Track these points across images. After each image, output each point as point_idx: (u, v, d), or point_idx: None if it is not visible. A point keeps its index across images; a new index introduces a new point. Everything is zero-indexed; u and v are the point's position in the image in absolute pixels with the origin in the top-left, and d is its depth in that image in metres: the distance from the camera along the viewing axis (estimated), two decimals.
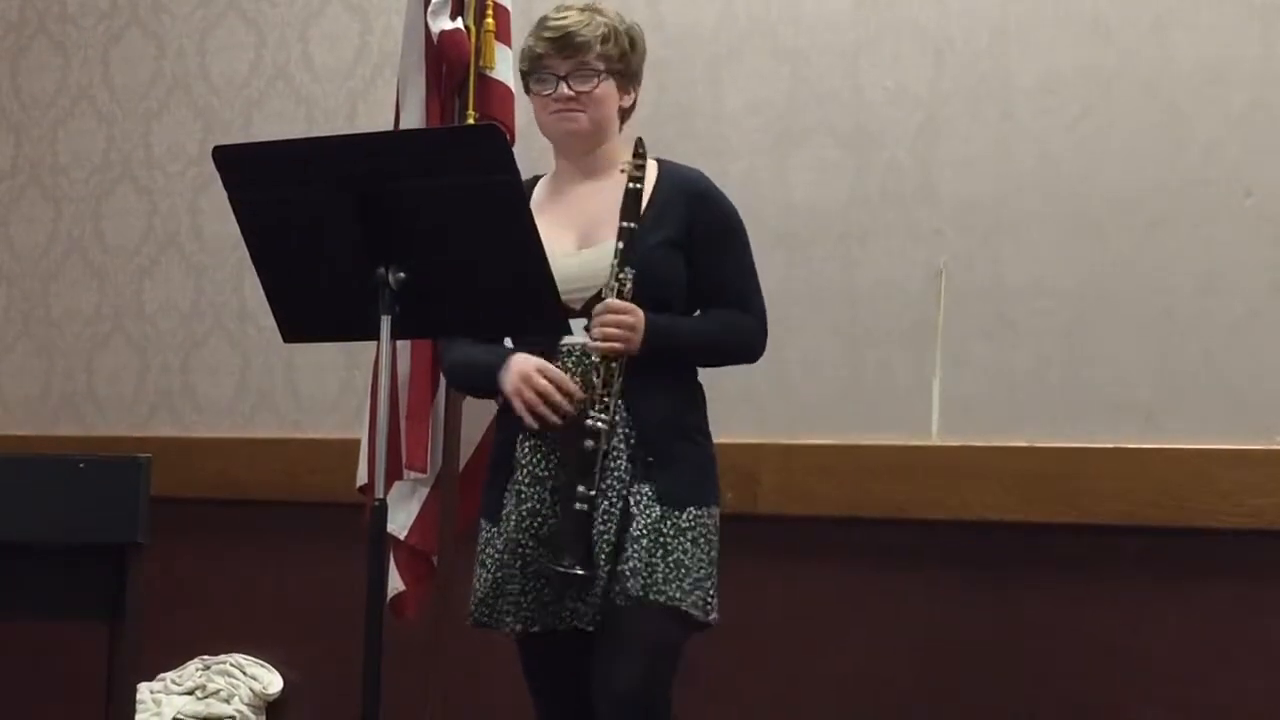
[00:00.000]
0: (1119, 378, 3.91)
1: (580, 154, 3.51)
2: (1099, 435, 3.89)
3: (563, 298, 3.23)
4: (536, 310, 3.15)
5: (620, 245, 3.34)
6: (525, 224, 3.07)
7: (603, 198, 3.46)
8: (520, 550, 3.37)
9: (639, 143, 3.43)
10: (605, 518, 3.30)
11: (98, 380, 5.29)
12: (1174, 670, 3.81)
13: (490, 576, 3.40)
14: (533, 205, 3.42)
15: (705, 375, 4.23)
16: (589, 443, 3.29)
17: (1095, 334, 3.93)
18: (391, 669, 3.06)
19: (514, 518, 3.37)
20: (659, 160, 3.48)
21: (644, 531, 3.30)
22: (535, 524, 3.35)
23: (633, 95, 3.56)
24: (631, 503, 3.31)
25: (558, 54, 3.45)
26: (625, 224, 3.35)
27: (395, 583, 3.98)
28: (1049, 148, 4.00)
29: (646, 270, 3.35)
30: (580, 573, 3.27)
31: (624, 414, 3.34)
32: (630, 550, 3.28)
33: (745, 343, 3.50)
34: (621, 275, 3.32)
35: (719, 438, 4.19)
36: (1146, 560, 3.85)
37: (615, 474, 3.32)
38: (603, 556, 3.28)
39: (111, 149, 5.32)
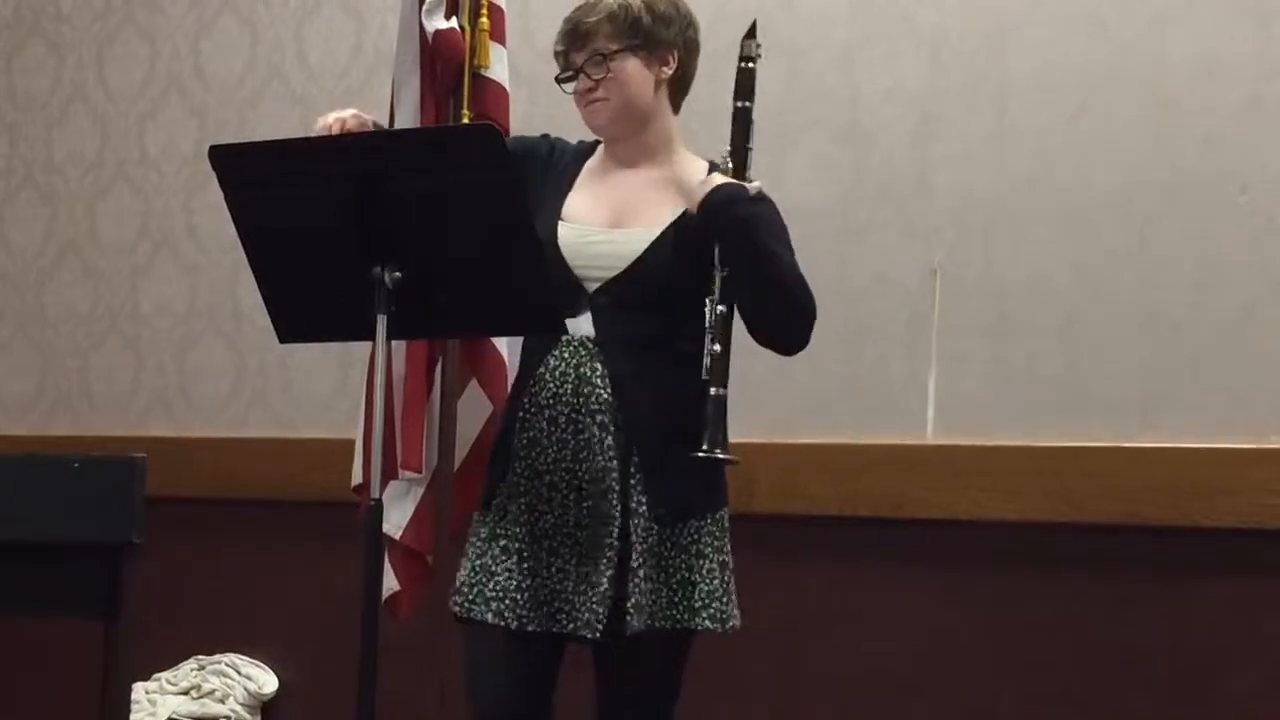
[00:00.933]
0: (1114, 375, 3.91)
1: (625, 138, 3.45)
2: (1094, 433, 3.89)
3: (580, 274, 3.22)
4: (532, 311, 3.14)
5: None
6: (521, 224, 3.06)
7: (647, 182, 3.42)
8: (514, 546, 3.32)
9: (752, 26, 3.43)
10: (607, 522, 3.26)
11: (93, 379, 5.28)
12: (1169, 668, 3.82)
13: (470, 564, 3.33)
14: (583, 172, 3.40)
15: None
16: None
17: (1091, 331, 3.93)
18: (386, 669, 3.05)
19: (510, 509, 3.33)
20: (711, 162, 3.44)
21: (642, 560, 3.24)
22: (532, 519, 3.31)
23: (671, 66, 3.45)
24: (631, 526, 3.27)
25: (571, 47, 3.42)
26: (740, 103, 3.36)
27: (390, 583, 3.98)
28: (1045, 144, 4.00)
29: (663, 260, 3.33)
30: (721, 456, 3.22)
31: (614, 411, 3.30)
32: (631, 583, 3.21)
33: (807, 305, 3.33)
34: (724, 153, 3.32)
35: None
36: (1142, 558, 3.85)
37: (610, 476, 3.28)
38: (603, 562, 3.24)
39: (106, 148, 5.31)
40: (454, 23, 4.10)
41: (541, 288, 3.08)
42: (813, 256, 4.17)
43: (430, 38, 4.09)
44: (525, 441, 3.33)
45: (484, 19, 4.06)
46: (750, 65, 3.43)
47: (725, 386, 3.25)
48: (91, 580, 3.62)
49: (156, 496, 3.77)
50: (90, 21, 5.37)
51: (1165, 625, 3.83)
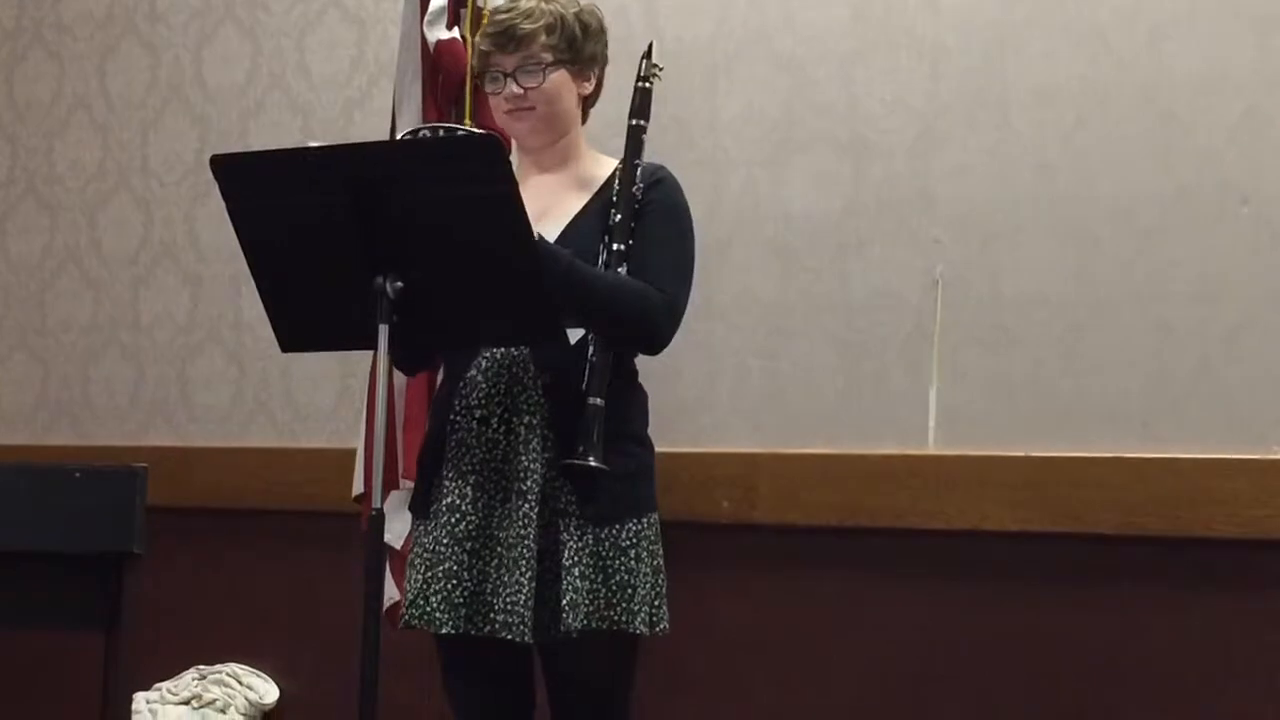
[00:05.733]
0: (1116, 387, 3.91)
1: (541, 149, 3.49)
2: (1096, 444, 3.89)
3: None
4: (533, 320, 3.14)
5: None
6: (522, 234, 3.06)
7: (559, 184, 3.46)
8: (437, 548, 3.34)
9: (649, 47, 3.51)
10: (527, 523, 3.26)
11: (94, 390, 5.28)
12: (1172, 680, 3.81)
13: (420, 576, 3.35)
14: None
15: (698, 382, 4.25)
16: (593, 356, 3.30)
17: (1092, 343, 3.93)
18: (387, 678, 3.05)
19: (439, 513, 3.34)
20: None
21: (576, 559, 3.26)
22: (453, 520, 3.30)
23: (592, 82, 3.51)
24: (561, 525, 3.28)
25: (502, 50, 3.42)
26: (634, 121, 3.44)
27: (391, 592, 3.98)
28: (1045, 157, 4.00)
29: (578, 236, 3.35)
30: (593, 464, 3.23)
31: (545, 413, 3.30)
32: (565, 581, 3.24)
33: (644, 311, 3.31)
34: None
35: (716, 446, 4.21)
36: (1143, 570, 3.85)
37: (533, 477, 3.28)
38: (524, 564, 3.24)
39: (107, 158, 5.31)
40: (455, 33, 4.11)
41: (542, 297, 3.08)
42: (813, 269, 4.21)
43: (432, 48, 4.10)
44: (454, 443, 3.34)
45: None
46: (647, 85, 3.49)
47: (602, 396, 3.26)
48: (92, 590, 3.63)
49: (157, 506, 3.78)
50: (92, 31, 5.37)
51: (1167, 636, 3.82)
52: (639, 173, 3.43)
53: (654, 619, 3.35)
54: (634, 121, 3.49)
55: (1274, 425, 3.77)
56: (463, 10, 4.15)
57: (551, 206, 3.42)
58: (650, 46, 3.59)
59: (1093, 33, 3.97)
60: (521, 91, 3.41)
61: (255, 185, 3.16)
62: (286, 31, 5.03)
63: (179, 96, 5.21)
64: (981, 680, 3.97)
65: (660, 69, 3.56)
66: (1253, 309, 3.80)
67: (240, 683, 4.88)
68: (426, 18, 4.11)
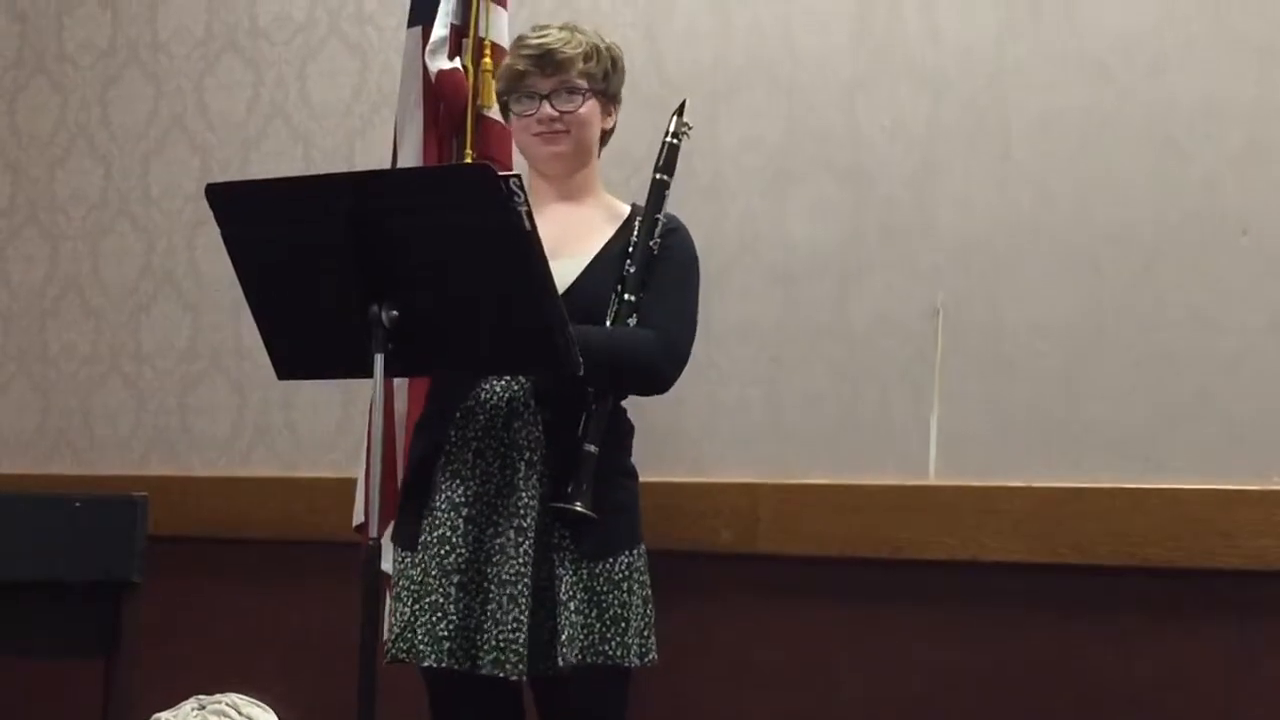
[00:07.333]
0: (1117, 416, 3.90)
1: (562, 176, 3.49)
2: (1097, 474, 3.88)
3: None
4: (534, 349, 3.13)
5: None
6: (519, 262, 3.03)
7: (579, 216, 3.46)
8: (425, 579, 3.31)
9: (681, 105, 3.52)
10: (523, 559, 3.24)
11: (94, 418, 5.28)
12: (1174, 712, 3.80)
13: (407, 610, 3.34)
14: None
15: (698, 411, 4.24)
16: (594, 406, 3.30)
17: (1093, 372, 3.93)
18: (386, 708, 3.04)
19: (429, 545, 3.32)
20: (634, 205, 3.49)
21: (572, 593, 3.24)
22: (443, 553, 3.29)
23: (614, 118, 3.53)
24: (556, 559, 3.27)
25: (539, 72, 3.42)
26: (659, 175, 3.44)
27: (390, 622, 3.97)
28: (1047, 185, 4.00)
29: (593, 287, 3.34)
30: (580, 510, 3.22)
31: (544, 451, 3.29)
32: (562, 616, 3.23)
33: (641, 357, 3.36)
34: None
35: (716, 476, 4.21)
36: (1145, 600, 3.84)
37: (532, 514, 3.26)
38: (521, 600, 3.23)
39: (109, 187, 5.32)
40: (457, 63, 4.12)
41: (542, 326, 3.07)
42: (814, 297, 4.21)
43: (434, 78, 4.10)
44: (448, 474, 3.33)
45: (486, 59, 4.07)
46: (675, 142, 3.49)
47: (598, 444, 3.26)
48: (92, 619, 3.62)
49: (158, 535, 3.77)
50: (94, 61, 5.38)
51: (1169, 667, 3.81)
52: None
53: (644, 650, 3.34)
54: (659, 176, 3.48)
55: (1276, 455, 3.76)
56: (465, 40, 4.15)
57: (570, 237, 3.41)
58: (684, 104, 3.58)
59: (1094, 62, 3.97)
60: (557, 114, 3.41)
61: (250, 213, 3.16)
62: (288, 61, 5.04)
63: (180, 126, 5.21)
64: (982, 712, 3.96)
65: (690, 127, 3.56)
66: (1254, 338, 3.79)
67: (240, 713, 4.85)
68: (428, 48, 4.11)
